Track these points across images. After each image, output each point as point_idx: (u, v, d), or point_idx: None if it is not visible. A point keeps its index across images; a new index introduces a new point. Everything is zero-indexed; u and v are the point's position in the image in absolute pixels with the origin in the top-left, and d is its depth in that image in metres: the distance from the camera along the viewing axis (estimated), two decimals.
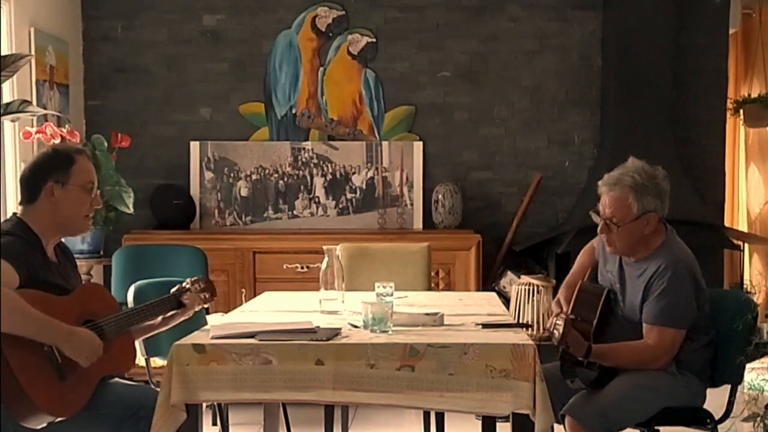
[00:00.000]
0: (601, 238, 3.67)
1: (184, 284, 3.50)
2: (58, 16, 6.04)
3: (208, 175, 6.43)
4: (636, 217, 3.44)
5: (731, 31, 6.69)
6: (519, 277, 5.96)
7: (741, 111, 6.75)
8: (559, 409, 3.34)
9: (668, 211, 3.54)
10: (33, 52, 5.41)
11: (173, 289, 3.49)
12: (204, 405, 3.26)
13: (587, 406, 3.34)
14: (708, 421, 3.47)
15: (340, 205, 6.47)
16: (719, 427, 3.49)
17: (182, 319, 3.50)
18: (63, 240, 3.33)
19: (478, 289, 5.83)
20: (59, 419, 2.96)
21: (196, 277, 3.57)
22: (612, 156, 6.19)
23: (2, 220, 3.65)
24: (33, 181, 3.17)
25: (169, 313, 3.47)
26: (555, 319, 3.33)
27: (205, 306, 3.57)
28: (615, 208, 3.45)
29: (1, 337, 2.81)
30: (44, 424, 2.95)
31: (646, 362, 3.41)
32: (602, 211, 3.50)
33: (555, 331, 3.26)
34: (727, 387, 3.56)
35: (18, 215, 3.18)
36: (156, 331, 3.51)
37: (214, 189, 6.44)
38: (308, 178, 6.47)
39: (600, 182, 3.54)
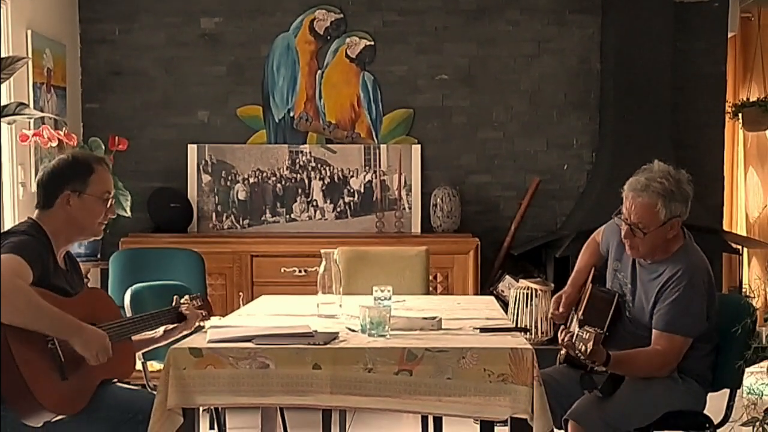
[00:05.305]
0: (606, 238, 3.66)
1: (182, 300, 3.51)
2: (55, 19, 6.02)
3: (206, 178, 6.42)
4: (663, 222, 3.38)
5: (730, 34, 6.69)
6: (517, 281, 5.94)
7: (740, 115, 6.74)
8: (558, 413, 3.32)
9: None
10: (30, 55, 5.40)
11: (173, 303, 3.50)
12: (201, 409, 3.24)
13: (591, 411, 3.32)
14: (707, 425, 3.46)
15: (338, 209, 6.46)
16: (718, 431, 3.48)
17: (183, 332, 3.49)
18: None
19: (476, 293, 5.81)
20: (58, 417, 2.97)
21: (193, 294, 3.58)
22: (611, 160, 6.20)
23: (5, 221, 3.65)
24: (50, 188, 3.17)
25: (171, 326, 3.47)
26: (580, 332, 3.20)
27: (202, 324, 3.56)
28: (643, 215, 3.37)
29: (8, 333, 2.81)
30: (45, 421, 2.95)
31: (657, 368, 3.39)
32: (627, 216, 3.41)
33: (581, 345, 3.15)
34: (726, 391, 3.55)
35: (33, 218, 3.18)
36: (156, 345, 3.52)
37: (211, 192, 6.42)
38: (306, 181, 6.45)
39: (626, 186, 3.45)
